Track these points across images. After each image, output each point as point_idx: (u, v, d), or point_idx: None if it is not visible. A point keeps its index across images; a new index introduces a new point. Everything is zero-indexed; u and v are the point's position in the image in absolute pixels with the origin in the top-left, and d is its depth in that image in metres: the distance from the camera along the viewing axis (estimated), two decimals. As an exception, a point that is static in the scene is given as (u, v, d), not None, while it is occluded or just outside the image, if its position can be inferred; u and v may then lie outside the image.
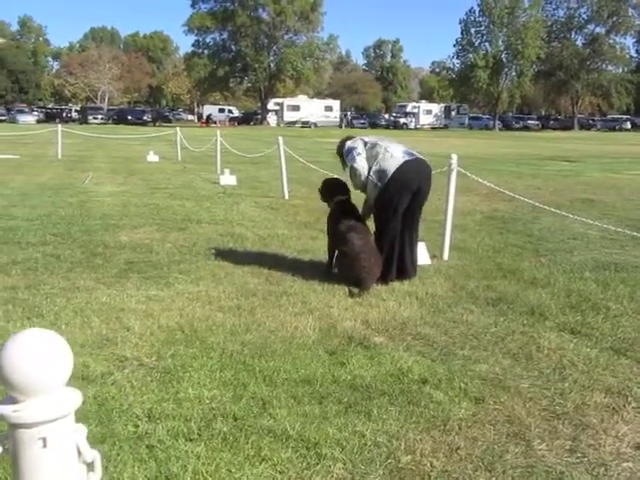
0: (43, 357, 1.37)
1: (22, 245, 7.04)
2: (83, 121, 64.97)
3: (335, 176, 6.73)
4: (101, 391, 3.40)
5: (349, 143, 6.05)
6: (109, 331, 4.35)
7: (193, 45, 78.81)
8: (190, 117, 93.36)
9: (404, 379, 3.66)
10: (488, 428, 3.11)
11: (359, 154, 5.85)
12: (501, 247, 7.55)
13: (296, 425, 3.06)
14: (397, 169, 5.66)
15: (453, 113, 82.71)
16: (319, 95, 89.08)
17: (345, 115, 77.39)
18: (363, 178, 5.82)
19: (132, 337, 4.25)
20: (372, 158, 5.80)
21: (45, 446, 1.43)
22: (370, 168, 5.78)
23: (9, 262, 6.23)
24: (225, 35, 77.58)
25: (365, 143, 5.93)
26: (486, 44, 78.98)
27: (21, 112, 67.09)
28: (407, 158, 5.77)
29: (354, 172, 5.87)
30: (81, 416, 3.07)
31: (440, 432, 3.06)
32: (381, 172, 5.71)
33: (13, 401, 1.42)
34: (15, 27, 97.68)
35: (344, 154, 6.07)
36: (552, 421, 3.21)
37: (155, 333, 4.35)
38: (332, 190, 6.27)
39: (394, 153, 5.77)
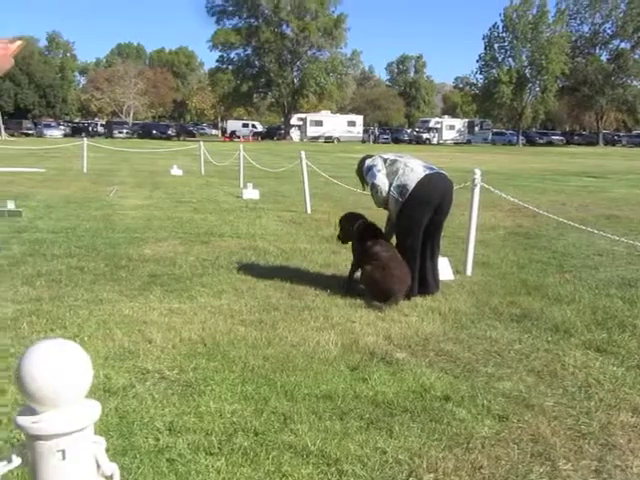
0: (63, 368, 1.36)
1: (47, 257, 7.10)
2: (108, 135, 65.80)
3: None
4: (122, 403, 3.41)
5: (368, 161, 6.06)
6: (131, 343, 4.36)
7: (217, 61, 79.53)
8: (214, 132, 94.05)
9: (426, 396, 3.62)
10: (512, 447, 3.06)
11: (379, 170, 5.85)
12: (525, 263, 7.48)
13: (317, 441, 3.04)
14: (418, 183, 5.65)
15: (476, 128, 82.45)
16: (342, 110, 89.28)
17: (372, 130, 77.52)
18: (384, 194, 5.81)
19: (154, 350, 4.26)
20: (392, 174, 5.79)
21: (64, 458, 1.42)
22: (391, 184, 5.77)
23: (34, 274, 6.29)
24: (249, 51, 78.15)
25: (385, 160, 5.93)
26: (510, 59, 78.74)
27: (48, 126, 68.13)
28: (428, 172, 5.76)
29: (375, 189, 5.86)
30: (102, 428, 3.09)
31: (463, 450, 3.02)
32: (402, 187, 5.69)
33: (32, 412, 1.40)
34: (44, 43, 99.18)
35: (364, 172, 6.07)
36: (577, 441, 3.15)
37: (177, 346, 4.35)
38: (351, 220, 6.33)
39: (415, 167, 5.76)
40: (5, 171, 19.61)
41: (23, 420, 1.39)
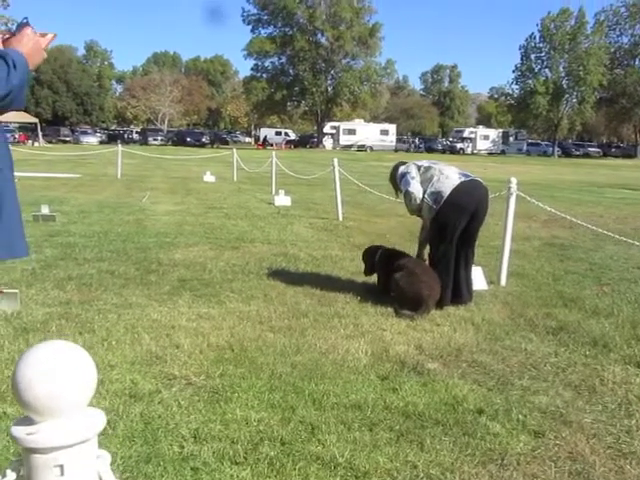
0: (63, 374, 1.23)
1: (79, 261, 7.12)
2: (143, 142, 66.58)
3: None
4: (148, 409, 3.35)
5: (402, 168, 5.96)
6: (159, 348, 4.31)
7: (252, 69, 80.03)
8: (247, 139, 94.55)
9: (459, 408, 3.50)
10: (549, 465, 2.93)
11: (413, 178, 5.75)
12: (561, 274, 7.30)
13: (345, 452, 2.94)
14: (453, 190, 5.54)
15: (511, 139, 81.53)
16: (375, 119, 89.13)
17: (411, 140, 77.15)
18: (418, 201, 5.71)
19: (181, 355, 4.20)
20: (427, 181, 5.69)
21: (62, 474, 1.29)
22: (425, 191, 5.66)
23: (65, 277, 6.30)
24: (284, 59, 78.50)
25: (419, 167, 5.83)
26: (546, 70, 77.89)
27: (84, 133, 69.19)
28: (463, 179, 5.65)
29: (409, 196, 5.76)
30: (127, 434, 3.04)
31: (497, 467, 2.90)
32: (436, 194, 5.58)
33: (28, 422, 1.28)
34: (82, 51, 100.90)
35: (397, 179, 5.97)
36: (618, 460, 3.01)
37: (204, 352, 4.29)
38: (372, 252, 6.33)
39: (449, 175, 5.65)
40: (42, 176, 19.89)
41: (18, 431, 1.27)
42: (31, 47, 2.14)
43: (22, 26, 2.23)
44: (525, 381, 3.98)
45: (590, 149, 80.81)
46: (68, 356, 1.28)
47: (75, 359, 1.28)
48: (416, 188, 5.70)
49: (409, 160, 6.24)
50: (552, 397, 3.72)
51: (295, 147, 72.71)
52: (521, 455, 3.01)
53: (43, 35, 2.29)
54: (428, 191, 5.64)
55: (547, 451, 3.06)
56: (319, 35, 75.60)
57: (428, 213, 5.73)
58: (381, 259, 6.14)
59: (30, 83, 2.09)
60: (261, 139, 75.59)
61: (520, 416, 3.42)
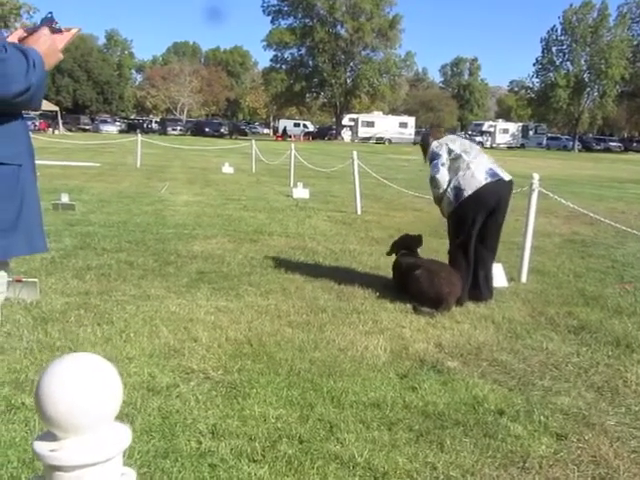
0: (87, 388, 1.18)
1: (98, 251, 7.14)
2: (162, 132, 66.74)
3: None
4: (166, 404, 3.33)
5: (435, 146, 5.79)
6: (177, 341, 4.30)
7: (271, 60, 79.91)
8: (266, 131, 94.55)
9: (479, 409, 3.46)
10: (571, 468, 2.88)
11: (443, 164, 5.64)
12: (582, 272, 7.20)
13: (364, 452, 2.91)
14: (475, 191, 5.47)
15: (531, 133, 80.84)
16: (394, 112, 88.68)
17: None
18: (441, 191, 5.66)
19: (199, 349, 4.19)
20: (453, 171, 5.60)
21: None
22: (449, 181, 5.59)
23: (84, 267, 6.31)
24: (303, 51, 78.32)
25: (450, 151, 5.68)
26: (568, 63, 77.06)
27: (104, 122, 69.54)
28: (488, 180, 5.53)
29: (434, 183, 5.70)
30: (145, 428, 3.03)
31: (519, 470, 2.85)
32: (457, 190, 5.52)
33: (52, 438, 1.24)
34: (102, 40, 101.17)
35: (429, 156, 5.85)
36: (642, 465, 2.95)
37: (223, 345, 4.28)
38: (400, 244, 6.34)
39: (475, 172, 5.53)
40: (61, 165, 19.99)
41: (41, 447, 1.22)
42: (47, 48, 2.13)
43: (46, 20, 2.20)
44: (546, 381, 3.92)
45: (611, 143, 79.84)
46: (93, 369, 1.24)
47: (100, 372, 1.24)
48: (443, 178, 5.62)
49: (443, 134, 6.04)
50: (574, 398, 3.67)
51: (313, 139, 72.59)
52: (543, 458, 2.96)
53: (68, 30, 2.27)
54: (452, 184, 5.57)
55: (570, 454, 3.01)
56: (339, 27, 75.30)
57: (447, 206, 5.68)
58: (398, 258, 6.12)
59: (46, 85, 2.08)
60: (280, 130, 75.51)
61: (542, 417, 3.36)
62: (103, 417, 1.24)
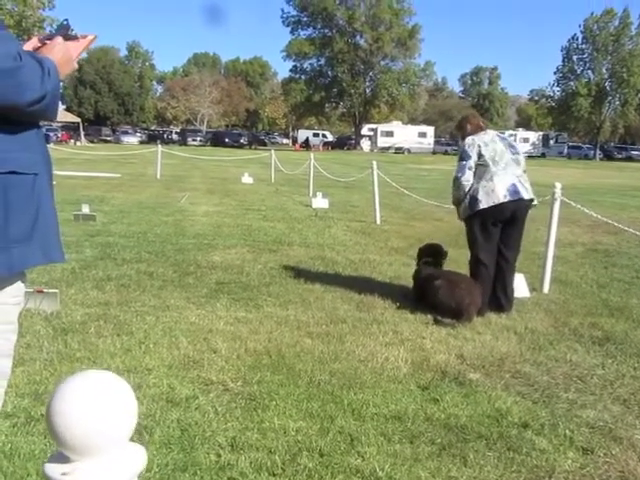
0: (101, 408, 1.13)
1: (117, 261, 7.15)
2: (182, 143, 67.17)
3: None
4: (185, 415, 3.31)
5: (468, 144, 5.60)
6: (196, 352, 4.28)
7: (291, 70, 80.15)
8: (285, 141, 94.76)
9: (503, 422, 3.39)
10: (598, 484, 2.81)
11: (470, 168, 5.52)
12: (606, 282, 7.10)
13: (385, 466, 2.86)
14: (491, 207, 5.43)
15: (551, 142, 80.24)
16: (413, 121, 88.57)
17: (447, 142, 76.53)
18: (462, 194, 5.58)
19: (219, 360, 4.16)
20: (477, 177, 5.52)
21: None
22: (471, 185, 5.51)
23: (104, 278, 6.32)
24: (322, 61, 78.48)
25: (480, 155, 5.54)
26: (589, 72, 76.52)
27: (125, 133, 70.19)
28: (507, 199, 5.44)
29: (457, 184, 5.60)
30: (164, 441, 3.00)
31: (544, 485, 2.79)
32: (474, 200, 5.46)
33: (63, 460, 1.18)
34: (124, 52, 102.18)
35: (460, 151, 5.76)
36: (672, 481, 2.87)
37: (242, 357, 4.25)
38: (424, 253, 6.23)
39: (496, 187, 5.44)
40: (83, 176, 20.16)
41: (52, 469, 1.17)
42: (61, 57, 2.12)
43: (62, 28, 2.20)
44: (571, 394, 3.85)
45: (633, 152, 78.90)
46: (107, 388, 1.19)
47: (114, 391, 1.20)
48: (468, 181, 5.51)
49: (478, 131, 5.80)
50: (600, 411, 3.59)
51: (332, 149, 72.63)
52: (569, 473, 2.89)
53: (84, 37, 2.26)
54: (471, 191, 5.51)
55: (596, 469, 2.94)
56: (358, 37, 75.41)
57: (463, 212, 5.65)
58: (418, 268, 6.07)
59: (59, 95, 2.07)
60: (301, 141, 75.58)
61: (567, 431, 3.29)
62: (117, 438, 1.20)
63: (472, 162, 5.53)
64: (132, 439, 2.94)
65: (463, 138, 5.78)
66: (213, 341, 4.52)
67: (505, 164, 5.57)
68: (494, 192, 5.42)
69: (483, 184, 5.46)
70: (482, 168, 5.51)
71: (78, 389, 1.15)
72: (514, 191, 5.49)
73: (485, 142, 5.62)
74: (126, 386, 1.21)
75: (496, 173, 5.49)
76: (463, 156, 5.60)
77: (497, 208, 5.44)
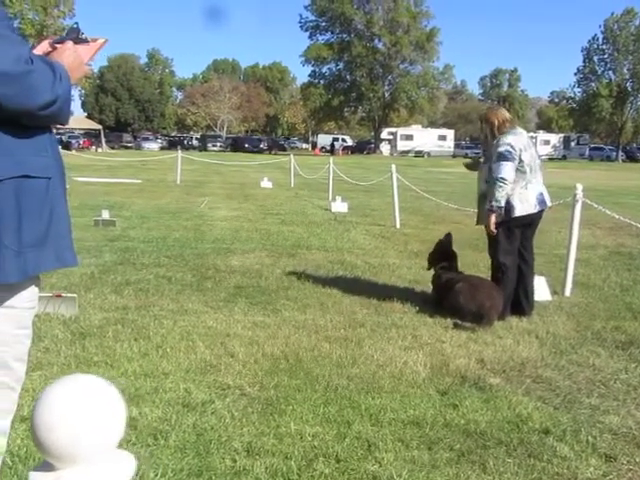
0: (86, 415, 1.07)
1: (137, 266, 7.17)
2: (203, 148, 67.58)
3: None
4: (201, 420, 3.28)
5: (509, 144, 5.33)
6: (213, 357, 4.26)
7: (309, 75, 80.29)
8: (304, 145, 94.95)
9: (523, 427, 3.33)
10: (622, 492, 2.74)
11: (514, 170, 5.31)
12: (629, 285, 6.99)
13: (403, 472, 2.81)
14: (523, 216, 5.40)
15: (572, 143, 79.59)
16: (433, 124, 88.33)
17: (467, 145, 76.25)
18: (504, 197, 5.32)
19: (236, 364, 4.14)
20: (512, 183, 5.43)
21: None
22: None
23: (123, 282, 6.33)
24: (341, 65, 78.52)
25: (520, 160, 5.35)
26: (610, 72, 75.93)
27: (146, 139, 70.84)
28: (537, 209, 5.45)
29: (500, 186, 5.28)
30: (179, 445, 2.98)
31: (566, 492, 2.72)
32: (510, 206, 5.36)
33: (49, 468, 1.13)
34: (144, 60, 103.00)
35: (498, 154, 5.35)
36: (698, 488, 2.80)
37: (259, 361, 4.22)
38: (439, 253, 6.12)
39: (530, 196, 5.41)
40: (104, 182, 20.31)
41: (37, 478, 1.12)
42: (72, 61, 2.12)
43: (72, 31, 2.19)
44: (594, 399, 3.77)
45: (657, 154, 78.15)
46: (92, 393, 1.14)
47: (101, 397, 1.14)
48: (511, 181, 5.29)
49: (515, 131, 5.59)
50: (624, 417, 3.51)
51: (352, 153, 72.60)
52: (592, 480, 2.83)
53: (94, 40, 2.25)
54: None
55: (620, 477, 2.87)
56: (376, 41, 75.38)
57: (495, 217, 5.53)
58: (438, 272, 6.00)
59: (72, 100, 2.06)
60: (319, 144, 75.58)
61: (589, 437, 3.22)
62: (104, 446, 1.15)
63: (516, 164, 5.33)
64: (147, 443, 2.93)
65: (492, 133, 5.52)
66: (230, 345, 4.49)
67: (535, 171, 5.52)
68: (528, 201, 5.40)
69: (518, 191, 5.37)
70: (518, 174, 5.37)
71: (62, 395, 1.10)
72: (542, 200, 5.51)
73: (524, 146, 5.46)
74: (113, 391, 1.16)
75: (530, 181, 5.43)
76: (507, 156, 5.32)
77: (528, 217, 5.44)
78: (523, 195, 5.38)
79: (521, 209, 5.37)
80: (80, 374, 1.17)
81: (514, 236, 5.49)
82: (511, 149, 5.34)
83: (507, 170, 5.31)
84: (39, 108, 1.93)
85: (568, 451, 3.08)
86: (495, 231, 5.43)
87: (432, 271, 6.14)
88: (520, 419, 3.43)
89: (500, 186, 5.30)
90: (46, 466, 1.16)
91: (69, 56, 2.12)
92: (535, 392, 3.86)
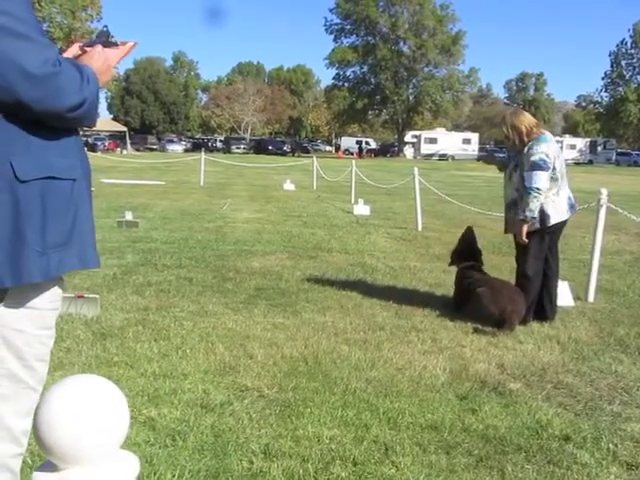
0: (89, 415, 1.07)
1: (158, 267, 7.22)
2: (227, 150, 67.85)
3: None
4: (219, 421, 3.29)
5: (544, 153, 5.20)
6: (232, 358, 4.27)
7: (334, 78, 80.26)
8: (328, 148, 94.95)
9: (543, 434, 3.29)
10: (643, 501, 2.70)
11: (544, 184, 5.19)
12: (655, 291, 6.88)
13: (420, 476, 2.80)
14: (556, 224, 5.37)
15: (599, 148, 78.72)
16: (457, 128, 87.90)
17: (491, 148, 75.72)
18: (531, 208, 5.19)
19: (254, 366, 4.14)
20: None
21: None
22: None
23: (144, 283, 6.38)
24: (365, 68, 78.43)
25: (554, 168, 5.27)
26: (638, 77, 75.08)
27: (170, 141, 71.22)
28: (568, 214, 5.44)
29: (529, 197, 5.18)
30: (197, 447, 2.99)
31: (585, 500, 2.69)
32: (545, 215, 5.29)
33: (52, 468, 1.12)
34: (169, 62, 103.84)
35: (532, 158, 5.20)
36: None
37: (278, 363, 4.22)
38: (463, 250, 6.03)
39: (561, 202, 5.38)
40: (128, 183, 20.48)
41: (39, 478, 1.12)
42: (101, 65, 2.13)
43: (102, 34, 2.21)
44: (616, 406, 3.72)
45: (685, 159, 76.97)
46: (95, 393, 1.13)
47: (104, 396, 1.14)
48: (540, 200, 5.20)
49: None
50: (646, 425, 3.46)
51: (375, 156, 72.46)
52: (612, 489, 2.79)
53: (124, 43, 2.27)
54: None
55: (641, 485, 2.83)
56: (401, 44, 75.22)
57: (528, 226, 5.43)
58: (462, 271, 5.94)
59: (98, 103, 2.07)
60: (342, 147, 75.52)
61: (611, 445, 3.18)
62: (107, 446, 1.14)
63: (550, 174, 5.24)
64: (166, 444, 2.94)
65: (521, 139, 5.36)
66: (250, 347, 4.50)
67: (565, 175, 5.49)
68: (561, 207, 5.38)
69: (551, 199, 5.31)
70: (551, 181, 5.29)
71: (65, 395, 1.10)
72: (571, 205, 5.49)
73: (557, 153, 5.39)
74: (117, 391, 1.16)
75: (561, 187, 5.40)
76: (542, 166, 5.20)
77: (558, 225, 5.43)
78: (556, 202, 5.33)
79: (555, 217, 5.33)
80: (83, 375, 1.16)
81: (544, 243, 5.45)
82: (546, 158, 5.22)
83: (542, 180, 5.21)
84: (67, 110, 1.95)
85: (588, 458, 3.04)
86: (526, 241, 5.34)
87: (454, 268, 6.07)
88: (540, 425, 3.39)
89: (535, 196, 5.20)
90: (49, 466, 1.16)
91: (98, 59, 2.13)
92: (556, 398, 3.82)
